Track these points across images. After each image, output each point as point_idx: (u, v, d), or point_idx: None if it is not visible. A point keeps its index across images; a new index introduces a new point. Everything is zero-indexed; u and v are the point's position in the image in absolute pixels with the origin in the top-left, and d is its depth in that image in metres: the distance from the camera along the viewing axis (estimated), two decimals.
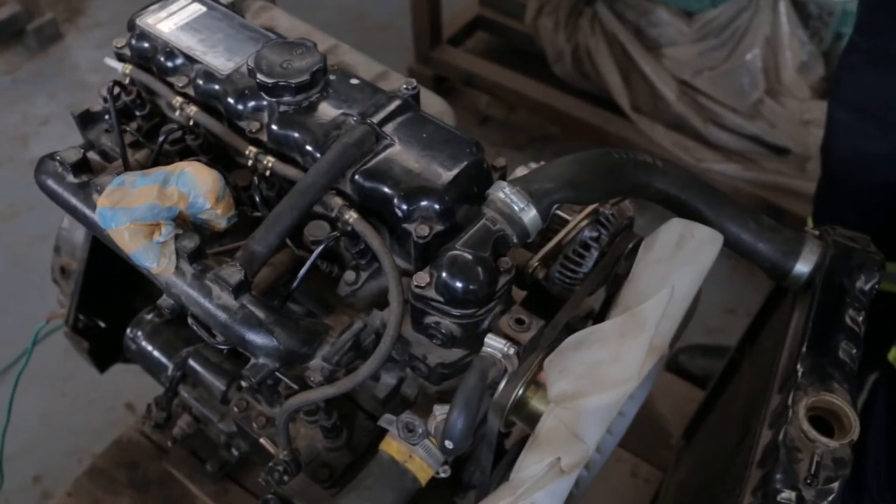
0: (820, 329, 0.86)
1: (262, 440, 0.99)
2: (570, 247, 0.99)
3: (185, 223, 0.86)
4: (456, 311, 0.80)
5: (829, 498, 0.75)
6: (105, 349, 1.40)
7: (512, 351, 0.78)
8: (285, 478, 0.95)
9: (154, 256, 0.81)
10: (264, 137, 0.95)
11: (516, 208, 0.80)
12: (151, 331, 1.19)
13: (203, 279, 0.83)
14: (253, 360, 0.82)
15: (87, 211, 0.91)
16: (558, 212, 1.00)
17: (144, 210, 0.80)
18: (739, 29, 2.05)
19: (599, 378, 0.77)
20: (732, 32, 2.06)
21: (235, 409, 1.04)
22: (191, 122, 0.99)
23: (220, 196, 0.84)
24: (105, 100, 1.05)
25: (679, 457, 1.54)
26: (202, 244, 0.83)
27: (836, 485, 0.75)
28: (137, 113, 1.06)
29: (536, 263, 0.94)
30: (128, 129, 1.04)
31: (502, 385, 0.87)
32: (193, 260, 0.83)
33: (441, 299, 0.80)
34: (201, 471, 1.51)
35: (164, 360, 1.17)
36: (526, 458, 0.79)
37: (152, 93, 1.05)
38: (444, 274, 0.79)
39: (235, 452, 1.14)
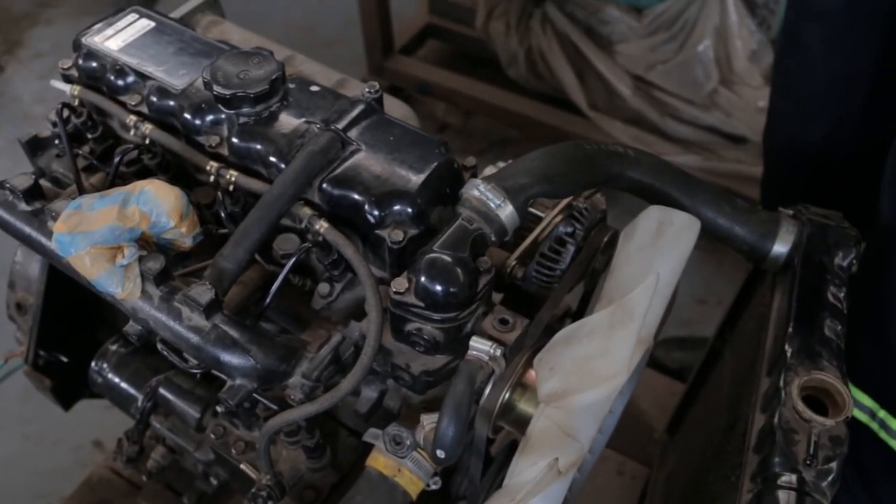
0: (804, 308, 0.85)
1: (242, 466, 0.95)
2: (545, 244, 0.98)
3: (149, 244, 0.82)
4: (437, 316, 0.78)
5: (830, 478, 0.74)
6: (69, 385, 1.34)
7: (498, 352, 0.75)
8: (269, 503, 0.91)
9: (118, 281, 0.77)
10: (225, 151, 0.92)
11: (492, 205, 0.78)
12: (118, 362, 1.14)
13: (171, 301, 0.79)
14: (230, 383, 0.79)
15: (43, 239, 0.86)
16: (531, 209, 0.99)
17: (105, 233, 0.76)
18: (689, 21, 2.07)
19: (589, 373, 0.75)
20: (682, 25, 2.09)
21: (212, 435, 0.99)
22: (147, 141, 0.95)
23: (183, 213, 0.81)
24: (54, 124, 1.01)
25: (665, 450, 1.53)
26: (168, 265, 0.79)
27: (834, 464, 0.74)
28: (89, 135, 1.01)
29: (514, 262, 0.93)
30: (80, 152, 1.00)
31: (488, 390, 0.85)
32: (160, 282, 0.79)
33: (421, 304, 0.77)
34: None
35: (133, 391, 1.12)
36: (519, 463, 0.77)
37: (103, 114, 1.01)
38: (423, 278, 0.76)
39: (214, 482, 1.09)
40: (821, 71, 1.19)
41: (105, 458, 1.62)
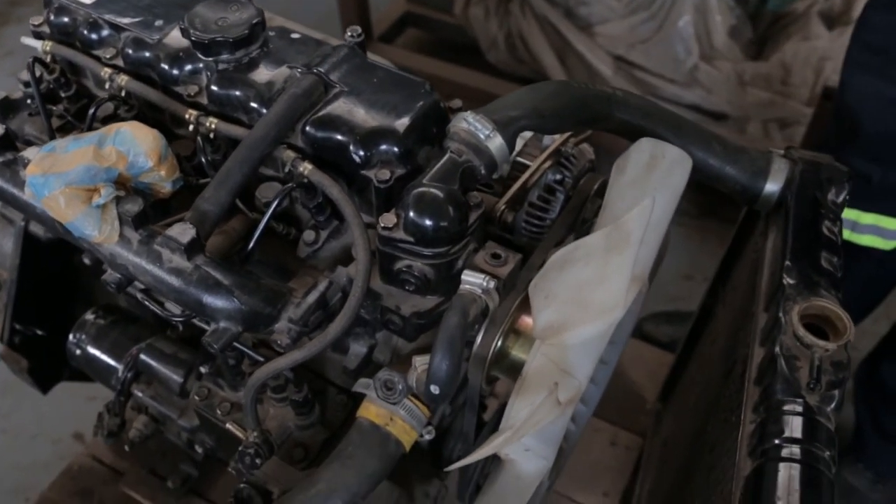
0: (800, 241, 0.84)
1: (228, 426, 0.92)
2: (533, 192, 0.96)
3: (127, 188, 0.79)
4: (428, 251, 0.75)
5: (834, 403, 0.72)
6: (46, 367, 1.30)
7: (492, 285, 0.73)
8: (257, 461, 0.88)
9: (94, 223, 0.74)
10: (204, 100, 0.89)
11: (482, 136, 0.76)
12: (96, 333, 1.11)
13: (151, 244, 0.76)
14: (213, 326, 0.76)
15: (15, 190, 0.83)
16: (519, 158, 0.97)
17: (80, 172, 0.73)
18: (668, 0, 2.07)
19: (585, 304, 0.73)
20: (662, 3, 2.09)
21: (196, 398, 0.96)
22: (123, 93, 0.92)
23: (162, 155, 0.78)
24: (25, 84, 0.98)
25: (658, 418, 1.51)
26: (146, 208, 0.77)
27: (837, 390, 0.73)
28: (62, 93, 0.98)
29: (504, 207, 0.90)
30: (54, 110, 0.97)
31: (480, 336, 0.83)
32: (139, 225, 0.76)
33: (411, 240, 0.75)
34: (163, 489, 1.41)
35: (112, 362, 1.08)
36: (516, 404, 0.75)
37: (77, 70, 0.98)
38: (412, 212, 0.74)
39: (199, 450, 1.05)
40: None
41: (86, 448, 1.57)
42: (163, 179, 0.79)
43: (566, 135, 0.96)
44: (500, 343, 0.80)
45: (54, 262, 1.16)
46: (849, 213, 1.34)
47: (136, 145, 0.75)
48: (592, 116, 0.87)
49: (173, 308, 0.81)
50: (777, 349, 0.75)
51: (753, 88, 2.00)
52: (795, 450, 0.69)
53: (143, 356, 1.02)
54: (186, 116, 0.88)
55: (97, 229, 0.74)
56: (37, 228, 1.06)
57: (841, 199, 0.90)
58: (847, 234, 1.37)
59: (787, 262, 0.82)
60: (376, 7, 2.54)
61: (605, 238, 0.71)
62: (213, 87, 0.88)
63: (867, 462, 1.73)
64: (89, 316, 1.12)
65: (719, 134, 0.94)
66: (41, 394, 1.37)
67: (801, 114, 2.00)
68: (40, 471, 1.70)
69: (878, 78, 1.25)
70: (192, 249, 0.74)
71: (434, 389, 0.71)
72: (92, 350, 1.10)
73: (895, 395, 1.53)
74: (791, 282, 0.80)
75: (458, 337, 0.71)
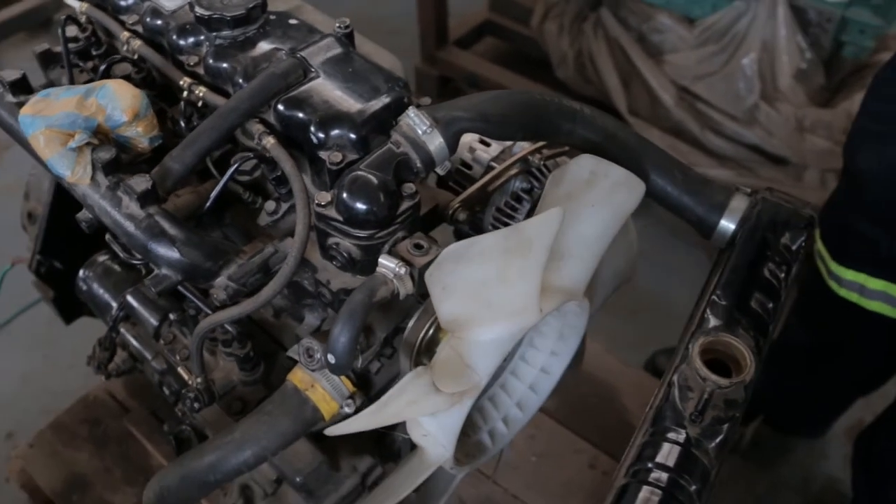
0: (734, 279, 0.84)
1: (179, 368, 0.99)
2: (500, 198, 0.99)
3: (109, 140, 0.88)
4: (355, 232, 0.80)
5: (718, 439, 0.72)
6: (70, 299, 1.43)
7: (403, 271, 0.77)
8: (196, 405, 0.95)
9: (68, 164, 0.83)
10: (201, 70, 0.97)
11: (419, 131, 0.80)
12: (102, 272, 1.21)
13: (116, 191, 0.84)
14: (156, 271, 0.83)
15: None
16: (492, 163, 1.01)
17: (61, 117, 0.82)
18: (738, 34, 2.03)
19: (488, 302, 0.76)
20: (731, 38, 2.05)
21: (162, 341, 1.04)
22: (136, 57, 1.01)
23: (139, 113, 0.86)
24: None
25: None
26: (118, 157, 0.85)
27: (725, 426, 0.73)
28: (93, 52, 1.09)
29: (458, 205, 0.94)
30: (81, 65, 1.07)
31: (412, 323, 0.87)
32: (109, 172, 0.84)
33: (340, 219, 0.80)
34: (160, 431, 1.52)
35: (110, 300, 1.18)
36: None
37: (107, 32, 1.08)
38: (344, 194, 0.79)
39: (167, 391, 1.14)
40: None
41: (102, 383, 1.71)
42: (140, 135, 0.88)
43: (537, 144, 0.99)
44: (430, 332, 0.84)
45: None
46: (857, 277, 1.32)
47: (115, 100, 0.84)
48: (553, 130, 0.89)
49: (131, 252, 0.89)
50: (675, 377, 0.75)
51: (813, 135, 1.93)
52: (663, 476, 0.70)
53: (129, 297, 1.11)
54: (181, 83, 0.96)
55: (70, 170, 0.83)
56: None
57: (797, 245, 0.89)
58: (855, 298, 1.33)
59: (713, 298, 0.82)
60: (457, 12, 2.61)
61: (502, 239, 0.73)
62: (209, 60, 0.95)
63: None
64: (100, 257, 1.23)
65: (684, 164, 0.94)
66: (64, 323, 1.50)
67: None
68: (68, 398, 1.84)
69: (887, 146, 1.22)
70: (145, 199, 0.82)
71: (331, 359, 0.76)
72: (96, 287, 1.21)
73: (893, 468, 1.46)
74: (710, 317, 0.80)
75: (359, 313, 0.75)
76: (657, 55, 2.26)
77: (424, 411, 0.75)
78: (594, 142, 0.91)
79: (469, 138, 1.05)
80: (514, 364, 0.99)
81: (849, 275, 1.30)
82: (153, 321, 1.09)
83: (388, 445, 1.12)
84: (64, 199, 1.28)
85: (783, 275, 0.87)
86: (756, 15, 1.99)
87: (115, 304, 1.18)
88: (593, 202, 0.83)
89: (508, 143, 1.03)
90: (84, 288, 1.23)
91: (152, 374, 1.14)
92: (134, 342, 1.13)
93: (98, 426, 1.60)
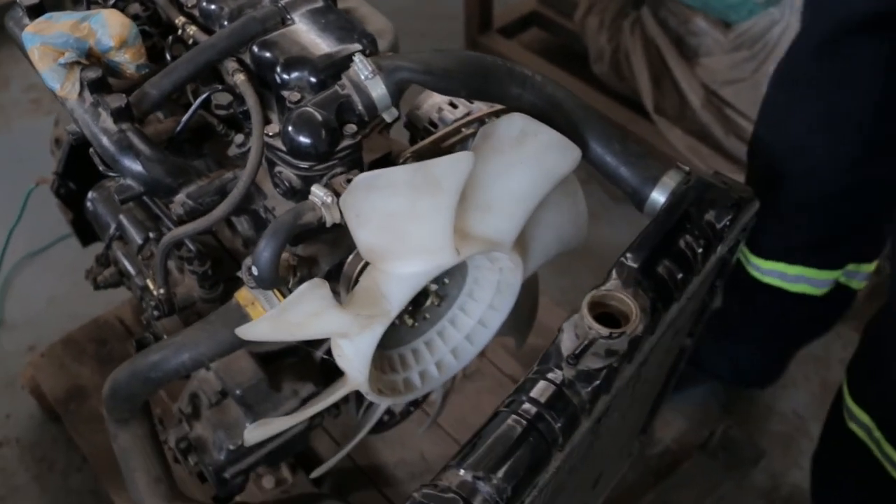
0: (645, 244, 0.87)
1: (147, 280, 1.09)
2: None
3: (100, 63, 0.97)
4: (295, 162, 0.88)
5: (594, 383, 0.77)
6: (86, 223, 1.55)
7: (330, 200, 0.84)
8: (156, 313, 1.05)
9: (58, 78, 0.93)
10: (196, 13, 1.06)
11: (362, 76, 0.87)
12: (107, 196, 1.32)
13: (98, 107, 0.94)
14: (122, 181, 0.92)
15: None
16: (448, 114, 1.07)
17: (56, 36, 0.92)
18: (770, 42, 2.02)
19: (403, 235, 0.82)
20: (763, 45, 2.04)
21: (140, 257, 1.14)
22: None
23: (127, 41, 0.95)
24: None
25: None
26: (104, 77, 0.94)
27: (603, 373, 0.77)
28: None
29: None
30: (101, 2, 1.18)
31: (350, 257, 0.94)
32: (94, 90, 0.94)
33: (284, 149, 0.87)
34: None
35: (110, 221, 1.29)
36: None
37: None
38: (289, 126, 0.86)
39: (144, 306, 1.24)
40: (815, 109, 1.19)
41: (116, 308, 1.84)
42: (128, 62, 0.97)
43: (495, 107, 1.05)
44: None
45: None
46: (776, 266, 1.38)
47: (105, 26, 0.93)
48: (500, 92, 0.95)
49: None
50: (564, 325, 0.80)
51: None
52: (531, 409, 0.75)
53: (121, 217, 1.21)
54: (176, 21, 1.05)
55: (59, 84, 0.93)
56: None
57: (721, 223, 0.92)
58: (779, 283, 1.41)
59: (622, 259, 0.86)
60: (508, 1, 2.66)
61: (408, 174, 0.79)
62: (203, 3, 1.04)
63: None
64: (107, 182, 1.34)
65: (627, 137, 0.98)
66: (81, 245, 1.63)
67: None
68: (86, 321, 1.99)
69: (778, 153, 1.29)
70: (119, 115, 0.91)
71: (254, 270, 0.84)
72: (100, 208, 1.32)
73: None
74: (614, 275, 0.84)
75: (283, 231, 0.82)
76: (692, 57, 2.26)
77: (329, 327, 0.82)
78: (540, 108, 0.96)
79: (438, 99, 1.11)
80: (453, 314, 1.05)
81: (768, 265, 1.33)
82: (138, 239, 1.19)
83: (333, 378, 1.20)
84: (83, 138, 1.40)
85: (700, 250, 0.90)
86: (789, 24, 1.98)
87: (112, 226, 1.29)
88: (521, 160, 0.88)
89: (477, 107, 1.09)
90: (91, 208, 1.34)
91: (135, 290, 1.24)
92: (123, 259, 1.24)
93: (104, 346, 1.73)
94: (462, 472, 0.69)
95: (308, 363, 1.14)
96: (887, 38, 1.14)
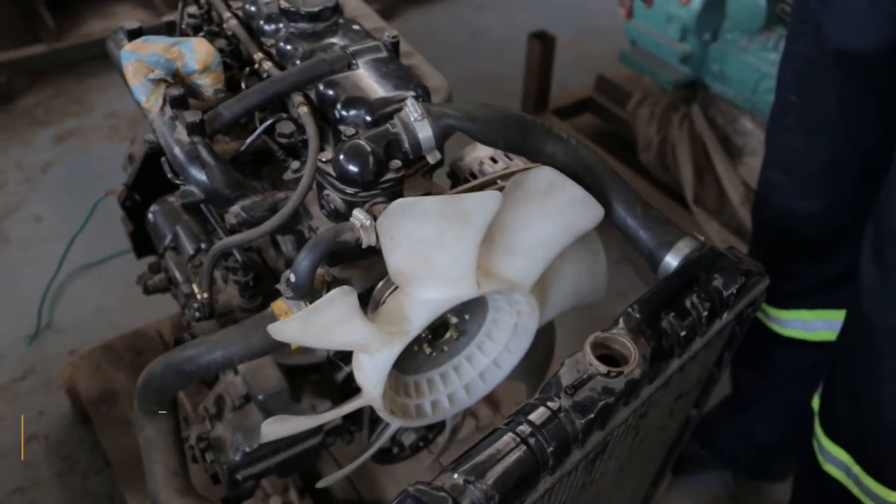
0: (652, 299, 0.93)
1: (193, 284, 1.18)
2: None
3: (183, 84, 1.10)
4: (343, 188, 0.97)
5: (587, 417, 0.82)
6: (144, 236, 1.66)
7: (369, 223, 0.92)
8: (197, 314, 1.13)
9: (146, 92, 1.05)
10: (273, 51, 1.19)
11: (412, 118, 0.96)
12: (168, 210, 1.43)
13: (175, 120, 1.05)
14: (186, 187, 1.03)
15: None
16: (487, 167, 1.16)
17: (149, 55, 1.05)
18: None
19: (430, 263, 0.89)
20: None
21: (190, 265, 1.24)
22: (230, 33, 1.25)
23: (210, 66, 1.08)
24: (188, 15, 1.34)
25: None
26: (184, 96, 1.06)
27: (598, 407, 0.82)
28: (205, 27, 1.34)
29: None
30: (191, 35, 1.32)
31: (380, 284, 1.02)
32: (174, 105, 1.06)
33: (334, 174, 0.97)
34: None
35: (167, 232, 1.40)
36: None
37: (218, 13, 1.33)
38: (341, 154, 0.96)
39: (187, 313, 1.32)
40: (823, 148, 1.25)
41: (156, 322, 1.94)
42: (207, 85, 1.09)
43: (531, 166, 1.13)
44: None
45: None
46: (798, 315, 1.43)
47: (193, 52, 1.06)
48: (534, 148, 1.03)
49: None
50: (567, 360, 0.86)
51: None
52: (527, 430, 0.80)
53: (178, 228, 1.32)
54: (255, 57, 1.18)
55: (146, 97, 1.05)
56: None
57: (728, 291, 0.97)
58: (801, 335, 1.45)
59: (629, 310, 0.92)
60: (562, 83, 2.79)
61: (439, 204, 0.87)
62: (281, 43, 1.17)
63: None
64: (170, 198, 1.46)
65: (649, 203, 1.05)
66: (136, 257, 1.74)
67: None
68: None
69: (790, 196, 1.33)
70: (193, 129, 1.02)
71: (291, 277, 0.92)
72: (160, 220, 1.43)
73: None
74: (619, 323, 0.90)
75: (322, 244, 0.90)
76: (735, 156, 2.34)
77: (352, 336, 0.89)
78: (572, 168, 1.04)
79: (482, 153, 1.20)
80: (470, 351, 1.11)
81: (790, 315, 1.37)
82: (190, 249, 1.29)
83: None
84: (157, 149, 1.53)
85: (706, 312, 0.95)
86: None
87: (168, 237, 1.40)
88: (547, 211, 0.96)
89: (515, 164, 1.18)
90: (151, 220, 1.46)
91: (180, 297, 1.34)
92: (173, 267, 1.34)
93: (140, 355, 1.82)
94: (455, 475, 0.75)
95: (329, 383, 1.21)
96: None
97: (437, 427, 1.39)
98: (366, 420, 1.28)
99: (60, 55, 3.06)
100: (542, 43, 2.59)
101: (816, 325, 1.43)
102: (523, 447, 0.78)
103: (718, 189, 2.33)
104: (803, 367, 1.53)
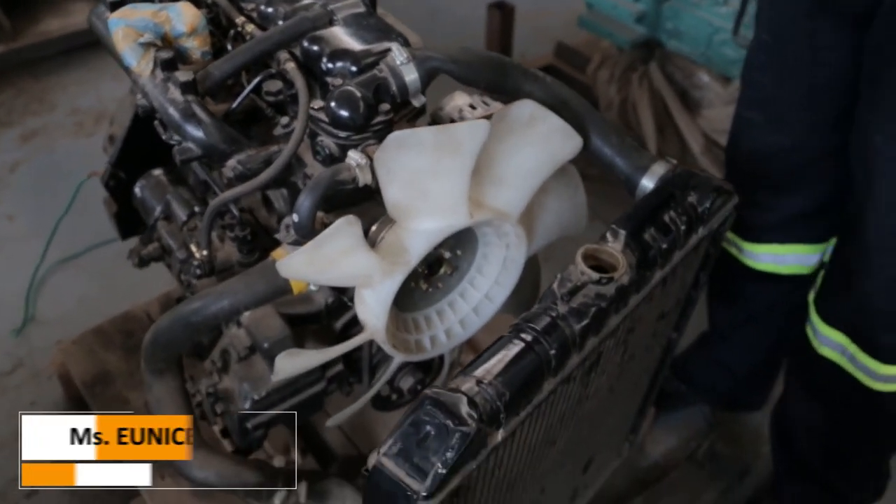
0: (634, 215, 1.00)
1: (192, 245, 1.22)
2: None
3: (171, 47, 1.13)
4: (335, 132, 1.02)
5: (583, 322, 0.88)
6: (128, 216, 1.69)
7: (364, 162, 0.97)
8: (198, 271, 1.17)
9: (136, 56, 1.09)
10: (255, 15, 1.22)
11: (398, 62, 1.01)
12: (155, 184, 1.46)
13: (167, 82, 1.09)
14: (183, 143, 1.07)
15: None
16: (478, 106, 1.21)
17: (137, 20, 1.08)
18: None
19: (425, 193, 0.95)
20: None
21: (185, 229, 1.28)
22: (210, 1, 1.28)
23: (197, 29, 1.11)
24: None
25: None
26: (174, 59, 1.10)
27: (592, 311, 0.89)
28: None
29: None
30: None
31: (375, 226, 1.07)
32: (165, 68, 1.10)
33: (327, 120, 1.02)
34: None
35: (156, 205, 1.43)
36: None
37: None
38: (332, 101, 1.01)
39: (182, 280, 1.36)
40: (794, 84, 1.33)
41: (144, 304, 1.96)
42: (195, 48, 1.13)
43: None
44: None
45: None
46: (769, 249, 1.50)
47: (180, 15, 1.09)
48: (512, 86, 1.09)
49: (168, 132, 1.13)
50: (560, 273, 0.92)
51: None
52: (530, 334, 0.86)
53: (168, 196, 1.35)
54: (237, 21, 1.21)
55: (136, 61, 1.09)
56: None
57: (702, 207, 1.05)
58: (772, 268, 1.52)
59: (613, 226, 0.98)
60: (522, 53, 2.84)
61: (433, 134, 0.92)
62: (262, 6, 1.21)
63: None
64: (156, 171, 1.49)
65: (624, 131, 1.12)
66: (120, 238, 1.76)
67: None
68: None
69: (762, 131, 1.40)
70: (186, 88, 1.06)
71: (294, 217, 0.96)
72: (147, 194, 1.46)
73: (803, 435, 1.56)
74: (605, 237, 0.97)
75: (322, 185, 0.95)
76: (694, 109, 2.43)
77: (356, 267, 0.94)
78: (549, 103, 1.10)
79: (460, 102, 1.26)
80: (463, 287, 1.17)
81: (762, 249, 1.45)
82: (183, 215, 1.33)
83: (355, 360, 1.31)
84: (139, 126, 1.55)
85: (683, 227, 1.02)
86: None
87: (158, 208, 1.43)
88: (530, 140, 1.02)
89: (494, 109, 1.24)
90: (139, 194, 1.48)
91: (175, 263, 1.37)
92: (166, 236, 1.37)
93: (131, 337, 1.85)
94: (467, 377, 0.81)
95: (328, 331, 1.26)
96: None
97: (433, 372, 1.45)
98: (365, 368, 1.34)
99: (18, 55, 3.04)
100: (502, 13, 2.65)
101: (788, 258, 1.51)
102: (528, 350, 0.85)
103: (680, 141, 2.42)
104: (776, 300, 1.61)
